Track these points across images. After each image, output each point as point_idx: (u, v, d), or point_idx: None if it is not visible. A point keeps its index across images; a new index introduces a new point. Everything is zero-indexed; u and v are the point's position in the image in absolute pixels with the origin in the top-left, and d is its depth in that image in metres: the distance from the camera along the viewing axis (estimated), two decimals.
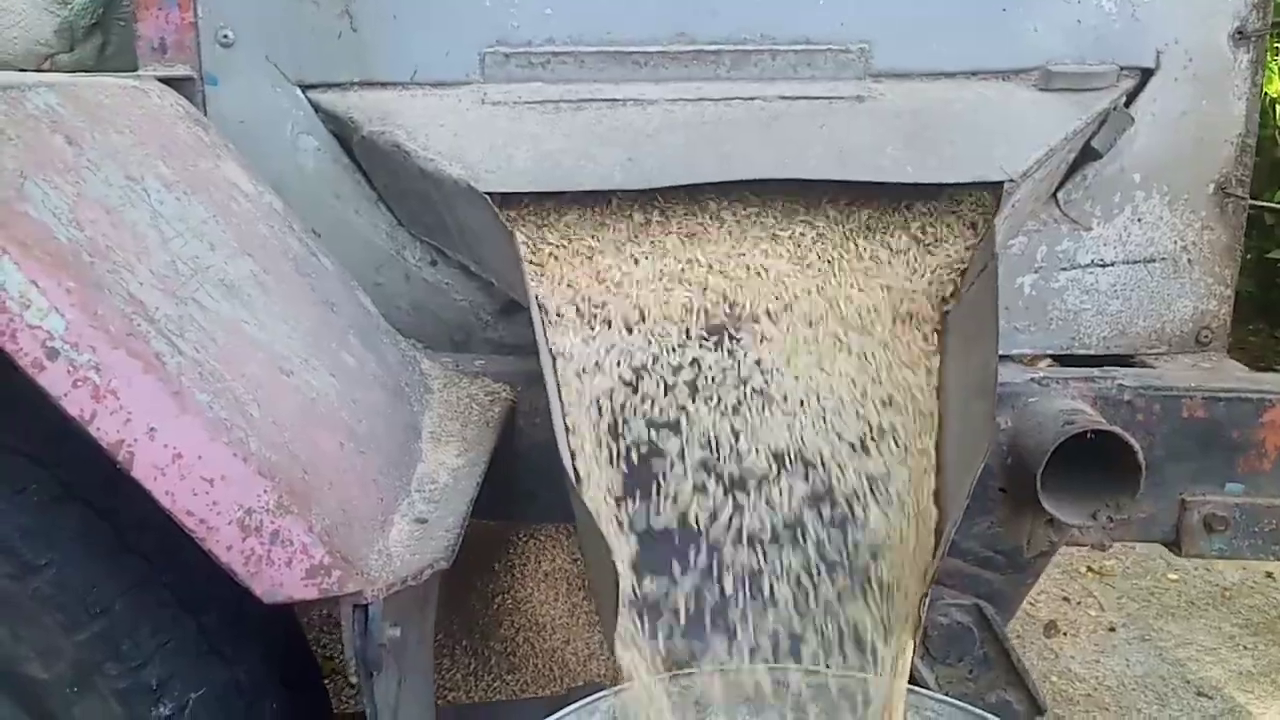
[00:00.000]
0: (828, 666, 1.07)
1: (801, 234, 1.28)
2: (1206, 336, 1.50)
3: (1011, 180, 1.24)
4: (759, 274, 1.24)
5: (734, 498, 1.13)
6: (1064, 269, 1.47)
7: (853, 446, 1.13)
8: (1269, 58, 3.68)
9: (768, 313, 1.21)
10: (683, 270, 1.25)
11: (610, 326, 1.21)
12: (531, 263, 1.24)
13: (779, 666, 1.10)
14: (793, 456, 1.13)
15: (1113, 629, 2.43)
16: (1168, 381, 1.33)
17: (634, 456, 1.15)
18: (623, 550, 1.10)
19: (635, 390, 1.18)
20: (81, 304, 0.81)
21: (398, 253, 1.45)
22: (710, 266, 1.25)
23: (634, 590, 1.09)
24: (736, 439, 1.14)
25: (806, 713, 1.08)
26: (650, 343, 1.21)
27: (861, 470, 1.12)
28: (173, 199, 1.05)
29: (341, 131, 1.39)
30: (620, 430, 1.15)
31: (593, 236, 1.28)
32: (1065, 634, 2.39)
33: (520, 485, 1.31)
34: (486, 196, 1.21)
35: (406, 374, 1.25)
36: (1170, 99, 1.43)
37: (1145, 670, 2.26)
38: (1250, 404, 1.31)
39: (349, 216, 1.43)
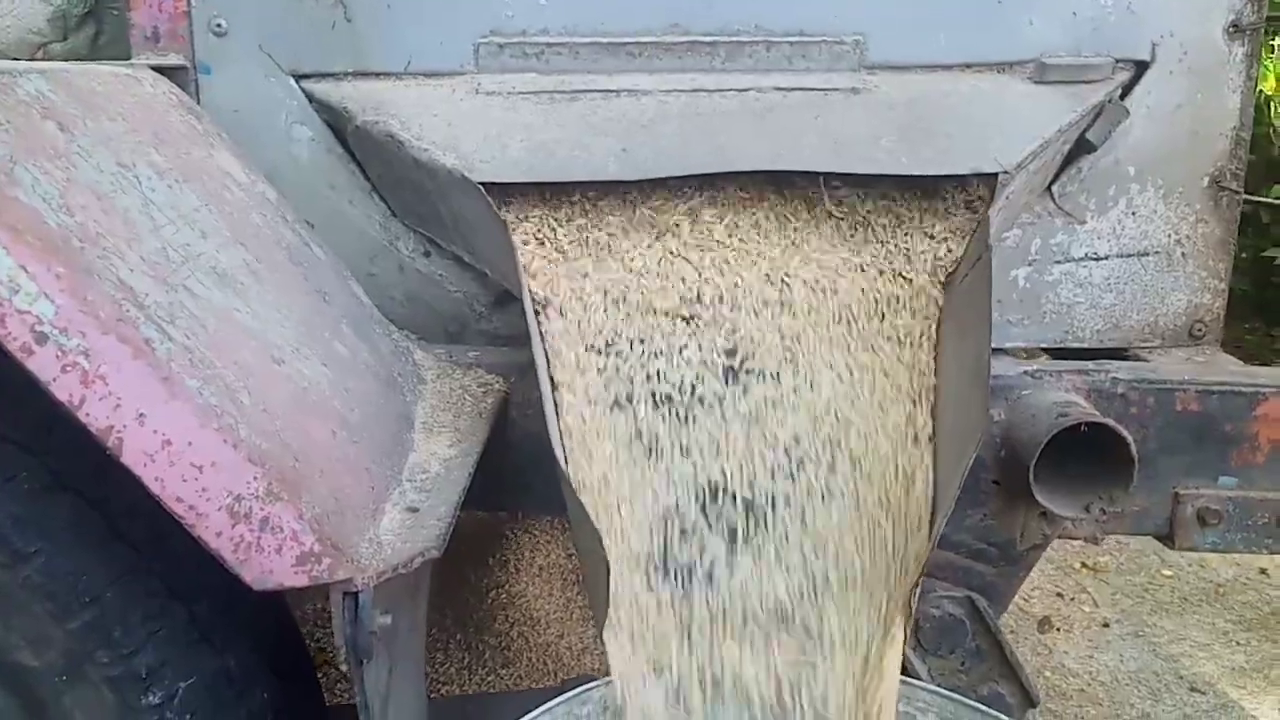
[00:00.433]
0: (819, 657, 1.07)
1: (796, 225, 1.28)
2: (1200, 330, 1.50)
3: (1005, 172, 1.24)
4: (754, 264, 1.24)
5: (729, 487, 1.13)
6: (1058, 262, 1.47)
7: (846, 436, 1.13)
8: (1264, 54, 3.69)
9: (762, 303, 1.21)
10: (677, 261, 1.25)
11: (604, 317, 1.21)
12: (525, 253, 1.24)
13: (772, 659, 1.10)
14: (788, 445, 1.13)
15: (1106, 625, 2.43)
16: (1161, 374, 1.33)
17: (628, 446, 1.14)
18: (614, 541, 1.10)
19: (629, 381, 1.17)
20: (71, 289, 0.81)
21: (391, 243, 1.44)
22: (705, 257, 1.25)
23: (627, 582, 1.09)
24: (732, 428, 1.14)
25: (798, 703, 1.07)
26: (645, 334, 1.20)
27: (856, 459, 1.12)
28: (164, 186, 1.04)
29: (335, 121, 1.39)
30: (614, 421, 1.15)
31: (586, 227, 1.28)
32: (1059, 629, 2.40)
33: (513, 476, 1.31)
34: (480, 187, 1.21)
35: (399, 364, 1.25)
36: (1165, 92, 1.43)
37: (1139, 665, 2.27)
38: (1243, 397, 1.31)
39: (343, 207, 1.42)
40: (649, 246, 1.27)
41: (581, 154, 1.27)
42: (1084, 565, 2.67)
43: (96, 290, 0.83)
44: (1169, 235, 1.48)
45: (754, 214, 1.29)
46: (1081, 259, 1.47)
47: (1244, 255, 3.71)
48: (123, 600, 0.96)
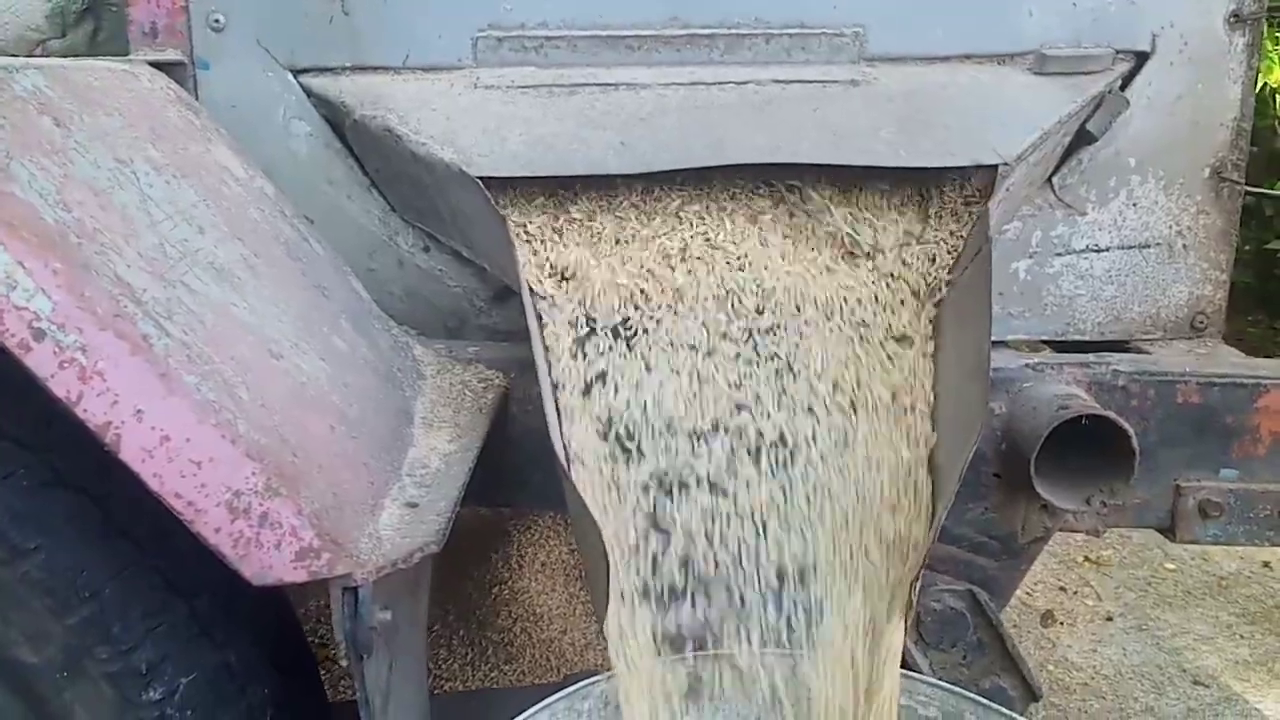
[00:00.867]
0: (819, 651, 1.06)
1: (795, 218, 1.28)
2: (1202, 322, 1.50)
3: (1005, 163, 1.24)
4: (752, 257, 1.23)
5: (730, 480, 1.13)
6: (1059, 254, 1.47)
7: (846, 429, 1.12)
8: (1268, 46, 3.68)
9: (761, 295, 1.20)
10: (676, 254, 1.24)
11: (603, 311, 1.21)
12: (524, 248, 1.24)
13: (772, 652, 1.09)
14: (786, 440, 1.13)
15: (1109, 618, 2.43)
16: (1163, 366, 1.33)
17: (628, 442, 1.14)
18: (615, 536, 1.10)
19: (632, 375, 1.17)
20: (68, 285, 0.81)
21: (390, 239, 1.44)
22: (704, 250, 1.24)
23: (628, 577, 1.09)
24: (733, 418, 1.14)
25: (797, 697, 1.07)
26: (646, 327, 1.20)
27: (856, 453, 1.11)
28: (162, 182, 1.04)
29: (333, 116, 1.39)
30: (614, 416, 1.15)
31: (585, 221, 1.28)
32: (1062, 623, 2.40)
33: (513, 471, 1.31)
34: (479, 181, 1.21)
35: (399, 359, 1.25)
36: (1166, 83, 1.42)
37: (1142, 659, 2.26)
38: (1245, 389, 1.31)
39: (341, 202, 1.42)
40: (649, 240, 1.26)
41: (580, 148, 1.27)
42: (1087, 559, 2.67)
43: (94, 286, 0.83)
44: (1170, 227, 1.47)
45: (753, 206, 1.29)
46: (1082, 251, 1.47)
47: (1247, 248, 3.70)
48: (122, 596, 0.95)
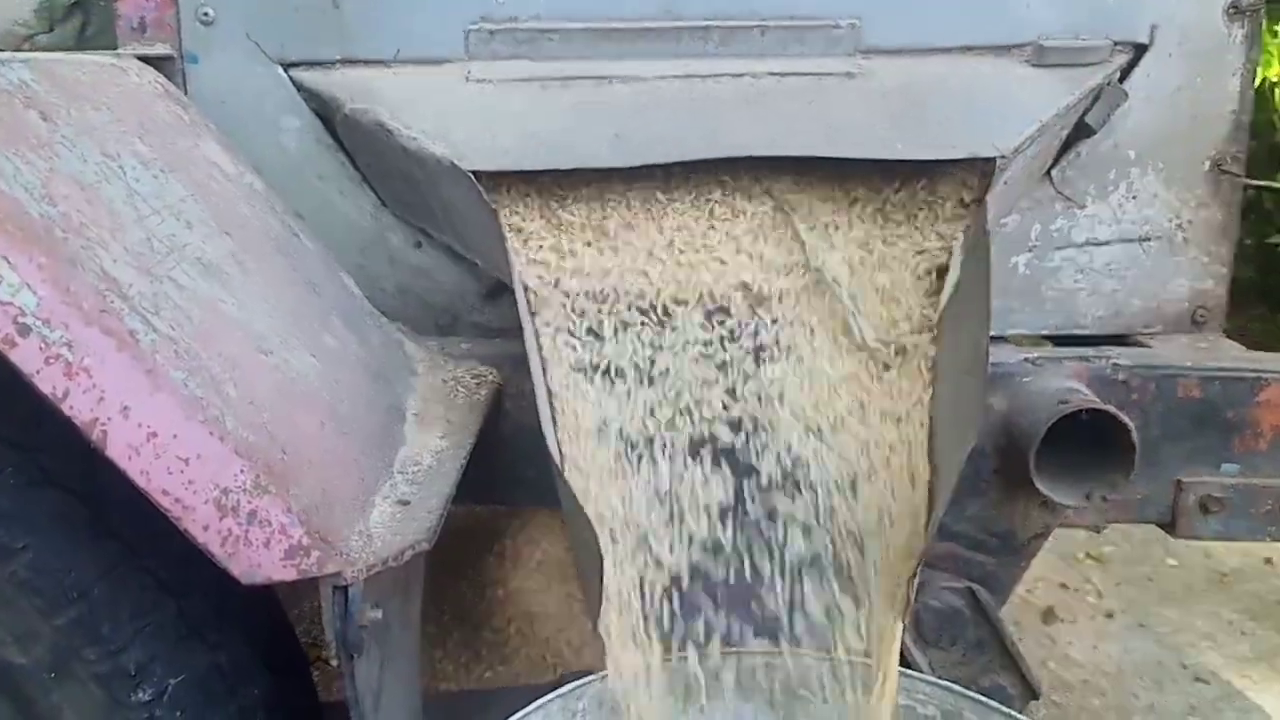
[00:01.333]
0: (817, 649, 1.05)
1: (791, 211, 1.27)
2: (1203, 316, 1.49)
3: (1003, 156, 1.23)
4: (746, 251, 1.22)
5: (725, 477, 1.12)
6: (1058, 248, 1.46)
7: (844, 424, 1.11)
8: (1267, 40, 3.66)
9: (756, 289, 1.19)
10: (671, 249, 1.23)
11: (598, 306, 1.20)
12: (517, 242, 1.23)
13: (768, 650, 1.09)
14: (782, 439, 1.12)
15: (1110, 615, 2.42)
16: (1163, 360, 1.32)
17: (622, 438, 1.13)
18: (608, 534, 1.09)
19: (623, 371, 1.16)
20: (53, 280, 0.80)
21: (382, 235, 1.43)
22: (699, 244, 1.23)
23: (621, 575, 1.08)
24: (727, 416, 1.13)
25: (796, 696, 1.06)
26: (639, 322, 1.19)
27: (854, 449, 1.10)
28: (150, 177, 1.03)
29: (324, 111, 1.37)
30: (608, 412, 1.14)
31: (579, 216, 1.27)
32: (1063, 620, 2.39)
33: (507, 469, 1.30)
34: (470, 175, 1.20)
35: (390, 356, 1.24)
36: (1165, 75, 1.41)
37: (1143, 656, 2.25)
38: (1246, 383, 1.30)
39: (332, 198, 1.41)
40: (643, 234, 1.25)
41: (574, 141, 1.26)
42: (1088, 556, 2.66)
43: (80, 281, 0.82)
44: (1170, 220, 1.46)
45: (748, 199, 1.28)
46: (1082, 244, 1.46)
47: (1248, 242, 3.69)
48: (111, 596, 0.94)
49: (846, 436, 1.11)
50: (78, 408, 0.80)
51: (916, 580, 0.99)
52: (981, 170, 1.25)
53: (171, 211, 1.02)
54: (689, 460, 1.11)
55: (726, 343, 1.17)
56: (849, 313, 1.17)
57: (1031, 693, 1.32)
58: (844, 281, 1.20)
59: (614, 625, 1.05)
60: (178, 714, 0.98)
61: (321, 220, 1.37)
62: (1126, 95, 1.40)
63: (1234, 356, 1.39)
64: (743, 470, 1.12)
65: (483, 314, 1.45)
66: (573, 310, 1.20)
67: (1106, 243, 1.45)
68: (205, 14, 1.34)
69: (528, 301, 1.17)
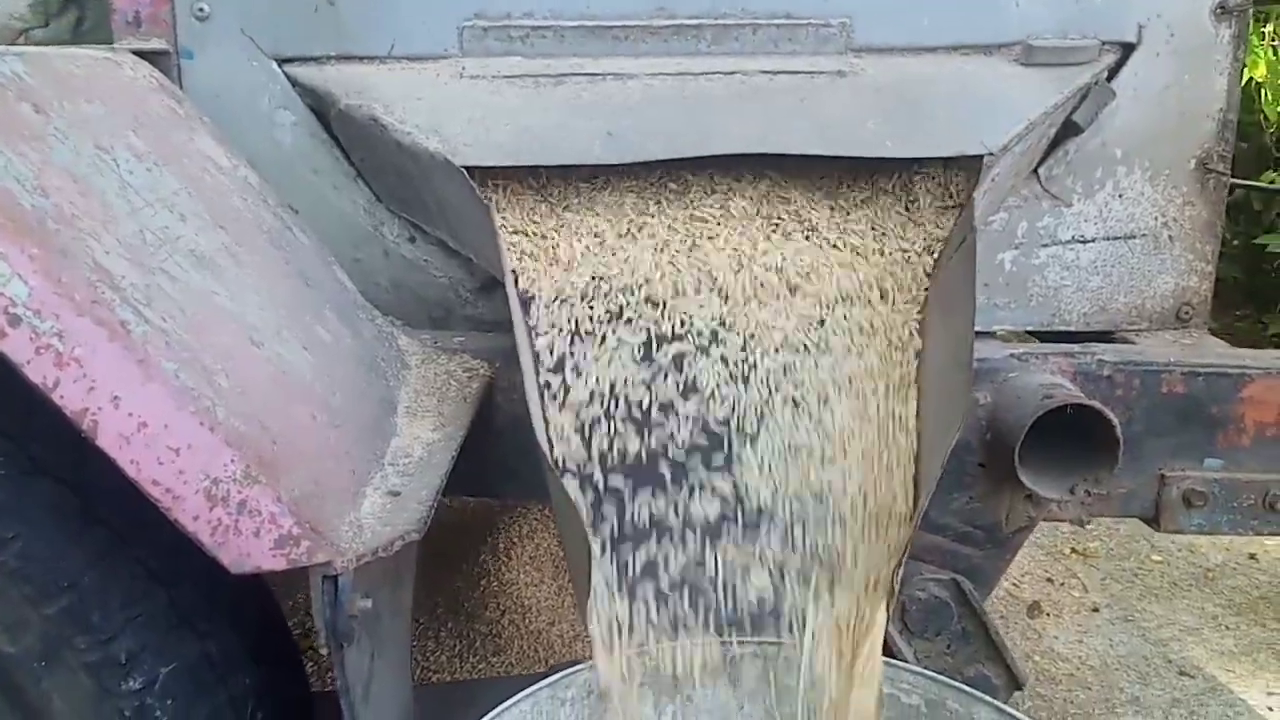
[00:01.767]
0: (802, 639, 1.06)
1: (781, 208, 1.28)
2: (1187, 313, 1.50)
3: (991, 154, 1.24)
4: (739, 247, 1.23)
5: (714, 471, 1.13)
6: (1045, 245, 1.47)
7: (829, 419, 1.12)
8: (1254, 41, 3.68)
9: (748, 286, 1.20)
10: (662, 244, 1.24)
11: (589, 301, 1.21)
12: (509, 238, 1.24)
13: (754, 640, 1.10)
14: (767, 431, 1.13)
15: (1096, 609, 2.44)
16: (1147, 357, 1.33)
17: (612, 432, 1.14)
18: (597, 525, 1.10)
19: (612, 365, 1.17)
20: (45, 271, 0.80)
21: (376, 229, 1.44)
22: (690, 240, 1.24)
23: (609, 564, 1.09)
24: (711, 411, 1.14)
25: (781, 685, 1.07)
26: (629, 318, 1.20)
27: (835, 442, 1.11)
28: (143, 169, 1.03)
29: (318, 106, 1.38)
30: (597, 405, 1.15)
31: (571, 211, 1.28)
32: (1049, 614, 2.40)
33: (498, 462, 1.31)
34: (464, 170, 1.20)
35: (383, 349, 1.24)
36: (1152, 74, 1.43)
37: (1128, 650, 2.27)
38: (1229, 379, 1.31)
39: (326, 192, 1.42)
40: (635, 230, 1.26)
41: (567, 137, 1.27)
42: (1073, 550, 2.68)
43: (71, 272, 0.83)
44: (1156, 218, 1.47)
45: (739, 197, 1.29)
46: (1068, 242, 1.47)
47: (1235, 242, 3.71)
48: (101, 585, 0.95)
49: (835, 425, 1.12)
50: (68, 398, 0.80)
51: (901, 571, 1.00)
52: (970, 168, 1.27)
53: (165, 204, 1.02)
54: (683, 452, 1.12)
55: (721, 331, 1.18)
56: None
57: (1016, 683, 1.33)
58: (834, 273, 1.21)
59: (601, 615, 1.06)
60: (168, 703, 0.98)
61: (315, 214, 1.37)
62: (1114, 94, 1.41)
63: (1218, 353, 1.40)
64: (731, 460, 1.13)
65: (475, 308, 1.46)
66: (564, 305, 1.21)
67: (1093, 240, 1.47)
68: (200, 9, 1.34)
69: (519, 296, 1.18)
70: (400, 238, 1.44)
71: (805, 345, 1.16)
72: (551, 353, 1.16)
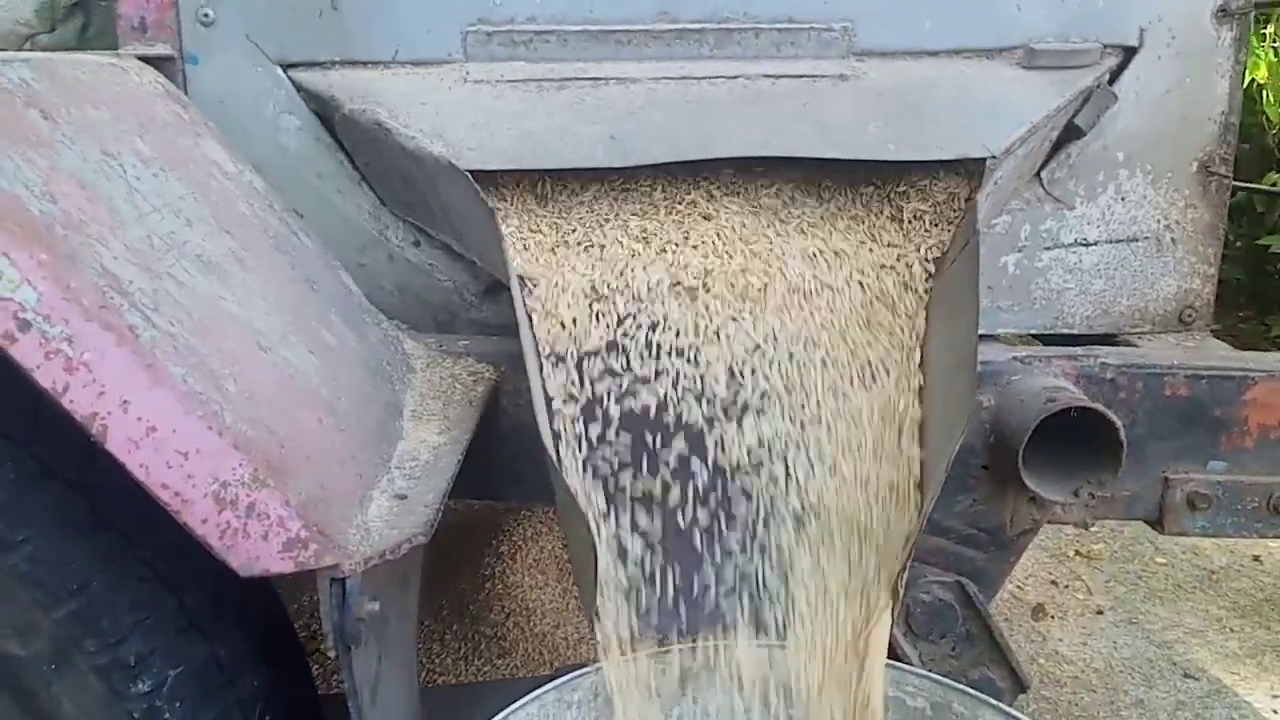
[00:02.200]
0: (807, 641, 1.07)
1: (783, 212, 1.28)
2: (1190, 316, 1.50)
3: (993, 157, 1.24)
4: (742, 250, 1.24)
5: (717, 474, 1.13)
6: (1047, 248, 1.47)
7: (834, 419, 1.13)
8: (1254, 43, 3.69)
9: (749, 289, 1.20)
10: (665, 247, 1.25)
11: (592, 305, 1.21)
12: (513, 241, 1.24)
13: (760, 643, 1.10)
14: (776, 430, 1.13)
15: (1100, 612, 2.44)
16: (1151, 359, 1.33)
17: (616, 434, 1.14)
18: (603, 528, 1.10)
19: (618, 368, 1.17)
20: (54, 276, 0.81)
21: (381, 233, 1.44)
22: (692, 243, 1.25)
23: (615, 568, 1.09)
24: (720, 414, 1.14)
25: (786, 688, 1.08)
26: (633, 320, 1.20)
27: (841, 444, 1.12)
28: (150, 175, 1.04)
29: (323, 110, 1.39)
30: (603, 409, 1.15)
31: (575, 215, 1.28)
32: (1053, 617, 2.40)
33: (503, 465, 1.31)
34: (468, 174, 1.21)
35: (388, 353, 1.25)
36: (1154, 77, 1.43)
37: (1132, 653, 2.27)
38: (1233, 382, 1.31)
39: (331, 197, 1.42)
40: (638, 233, 1.27)
41: (570, 141, 1.27)
42: (1078, 553, 2.68)
43: (80, 277, 0.83)
44: (1158, 221, 1.48)
45: (742, 200, 1.29)
46: (1071, 245, 1.47)
47: (1238, 244, 3.71)
48: (110, 588, 0.95)
49: (838, 429, 1.13)
50: (78, 402, 0.81)
51: (906, 573, 1.01)
52: (972, 171, 1.27)
53: (171, 209, 1.03)
54: (687, 455, 1.12)
55: (724, 334, 1.18)
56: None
57: (1020, 686, 1.33)
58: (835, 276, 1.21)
59: (606, 617, 1.07)
60: (177, 705, 0.99)
61: (320, 219, 1.38)
62: (1116, 97, 1.42)
63: (1221, 356, 1.40)
64: (738, 464, 1.13)
65: (480, 311, 1.47)
66: (568, 308, 1.21)
67: (1095, 243, 1.47)
68: (205, 15, 1.35)
69: (524, 299, 1.19)
70: (405, 242, 1.45)
71: (809, 348, 1.16)
72: (556, 356, 1.17)
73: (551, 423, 1.12)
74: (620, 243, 1.26)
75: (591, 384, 1.16)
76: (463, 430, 1.15)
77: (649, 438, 1.13)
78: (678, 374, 1.16)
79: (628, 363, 1.16)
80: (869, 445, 1.12)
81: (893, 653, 1.09)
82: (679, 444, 1.13)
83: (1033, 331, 1.52)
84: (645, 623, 1.08)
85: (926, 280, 1.22)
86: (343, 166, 1.42)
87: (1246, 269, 3.81)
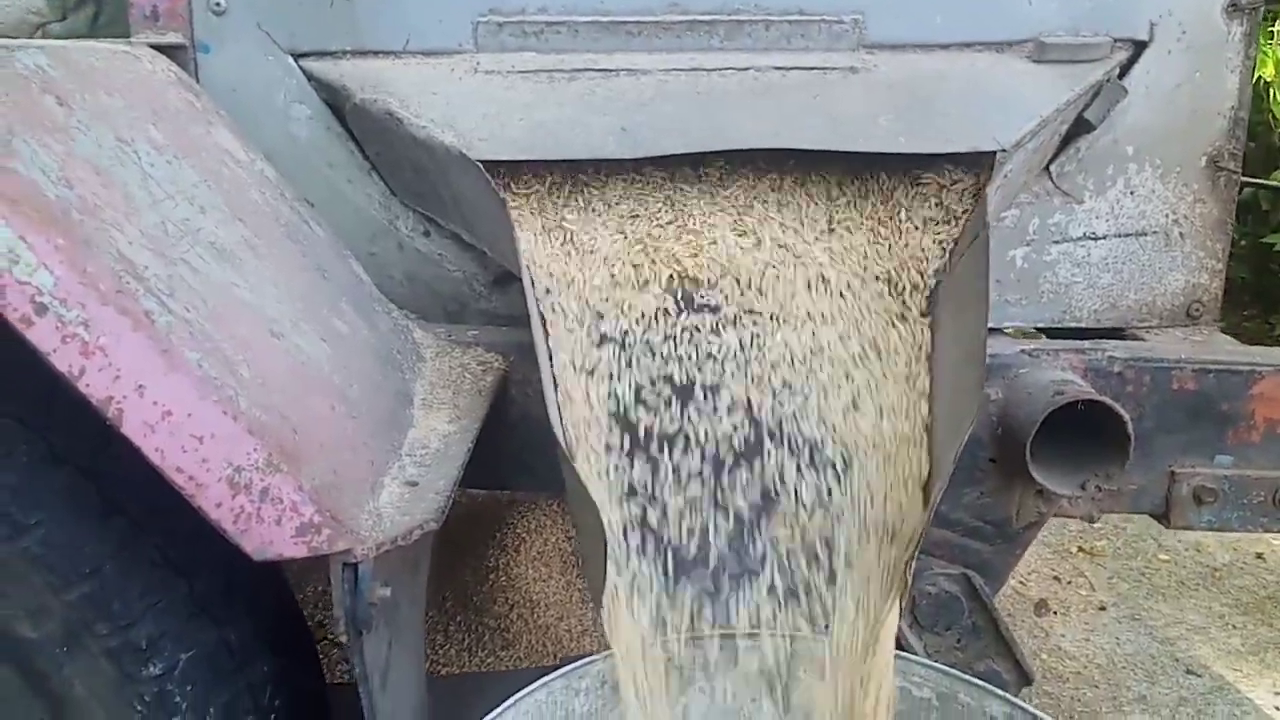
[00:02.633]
0: (815, 631, 1.07)
1: (794, 204, 1.28)
2: (1197, 310, 1.51)
3: (1003, 150, 1.24)
4: (751, 241, 1.24)
5: (725, 464, 1.13)
6: (1056, 242, 1.47)
7: (842, 411, 1.13)
8: (1262, 41, 3.68)
9: (760, 279, 1.21)
10: (675, 238, 1.25)
11: (604, 295, 1.21)
12: (524, 232, 1.24)
13: (768, 633, 1.10)
14: (783, 423, 1.14)
15: (1103, 608, 2.44)
16: (1158, 353, 1.33)
17: (626, 424, 1.15)
18: (612, 517, 1.11)
19: (627, 358, 1.18)
20: (70, 260, 0.81)
21: (391, 223, 1.44)
22: (702, 234, 1.25)
23: (623, 557, 1.10)
24: (727, 404, 1.14)
25: (795, 678, 1.08)
26: (643, 311, 1.21)
27: (849, 435, 1.12)
28: (163, 162, 1.04)
29: (334, 100, 1.39)
30: (612, 398, 1.16)
31: (585, 206, 1.28)
32: (1056, 613, 2.41)
33: (513, 455, 1.32)
34: (479, 164, 1.21)
35: (399, 342, 1.25)
36: (1163, 71, 1.43)
37: (1135, 649, 2.28)
38: (1240, 376, 1.31)
39: (342, 186, 1.42)
40: (648, 224, 1.27)
41: (580, 132, 1.27)
42: (1081, 549, 2.68)
43: (96, 262, 0.84)
44: (1167, 215, 1.48)
45: (752, 192, 1.29)
46: (1079, 239, 1.47)
47: (1243, 242, 3.71)
48: (122, 572, 0.96)
49: (848, 420, 1.13)
50: (94, 386, 0.81)
51: (914, 564, 1.01)
52: (982, 164, 1.27)
53: (185, 196, 1.03)
54: (696, 444, 1.13)
55: (729, 327, 1.18)
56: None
57: (1025, 678, 1.34)
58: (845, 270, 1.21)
59: (615, 607, 1.07)
60: (188, 689, 1.00)
61: (331, 208, 1.38)
62: (1126, 92, 1.42)
63: (1228, 350, 1.41)
64: (746, 454, 1.14)
65: (490, 301, 1.47)
66: (578, 298, 1.21)
67: (1104, 237, 1.47)
68: (217, 4, 1.35)
69: (534, 289, 1.19)
70: (415, 232, 1.45)
71: (820, 338, 1.17)
72: (567, 346, 1.17)
73: (562, 413, 1.12)
74: (630, 233, 1.27)
75: (602, 374, 1.16)
76: (472, 419, 1.15)
77: (660, 428, 1.14)
78: (689, 363, 1.16)
79: (639, 353, 1.16)
80: (879, 437, 1.12)
81: (898, 644, 1.09)
82: (693, 434, 1.14)
83: (1040, 325, 1.53)
84: (655, 612, 1.09)
85: (937, 273, 1.22)
86: (353, 156, 1.42)
87: (1251, 267, 3.80)
